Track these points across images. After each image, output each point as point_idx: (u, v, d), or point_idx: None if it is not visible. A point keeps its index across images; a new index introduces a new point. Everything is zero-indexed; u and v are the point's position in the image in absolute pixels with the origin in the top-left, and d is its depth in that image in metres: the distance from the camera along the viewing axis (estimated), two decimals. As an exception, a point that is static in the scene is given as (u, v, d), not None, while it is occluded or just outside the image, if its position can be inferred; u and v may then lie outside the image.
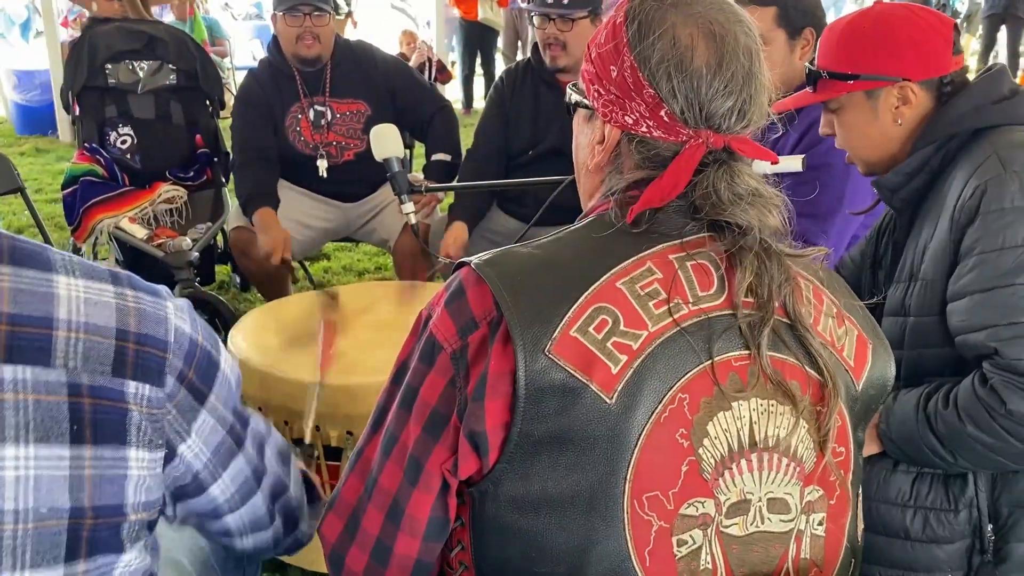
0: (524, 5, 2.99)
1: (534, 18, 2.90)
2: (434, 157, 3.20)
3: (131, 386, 0.79)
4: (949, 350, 1.38)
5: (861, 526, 1.06)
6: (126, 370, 0.78)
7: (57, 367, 0.75)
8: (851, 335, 1.00)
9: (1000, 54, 10.50)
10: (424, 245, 2.77)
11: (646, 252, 0.92)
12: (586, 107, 1.02)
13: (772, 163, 1.01)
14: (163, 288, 0.87)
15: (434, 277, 3.03)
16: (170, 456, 0.84)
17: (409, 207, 2.14)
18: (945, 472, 1.42)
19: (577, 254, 0.93)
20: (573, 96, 1.04)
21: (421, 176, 3.09)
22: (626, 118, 0.96)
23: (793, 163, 1.68)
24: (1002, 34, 10.11)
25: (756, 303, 0.92)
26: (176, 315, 0.84)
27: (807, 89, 1.54)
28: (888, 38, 1.44)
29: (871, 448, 1.43)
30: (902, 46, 1.43)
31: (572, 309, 0.87)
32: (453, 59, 9.19)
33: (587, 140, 1.03)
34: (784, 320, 0.94)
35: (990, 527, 1.40)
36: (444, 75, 7.00)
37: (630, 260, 0.91)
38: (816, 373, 0.94)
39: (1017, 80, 9.69)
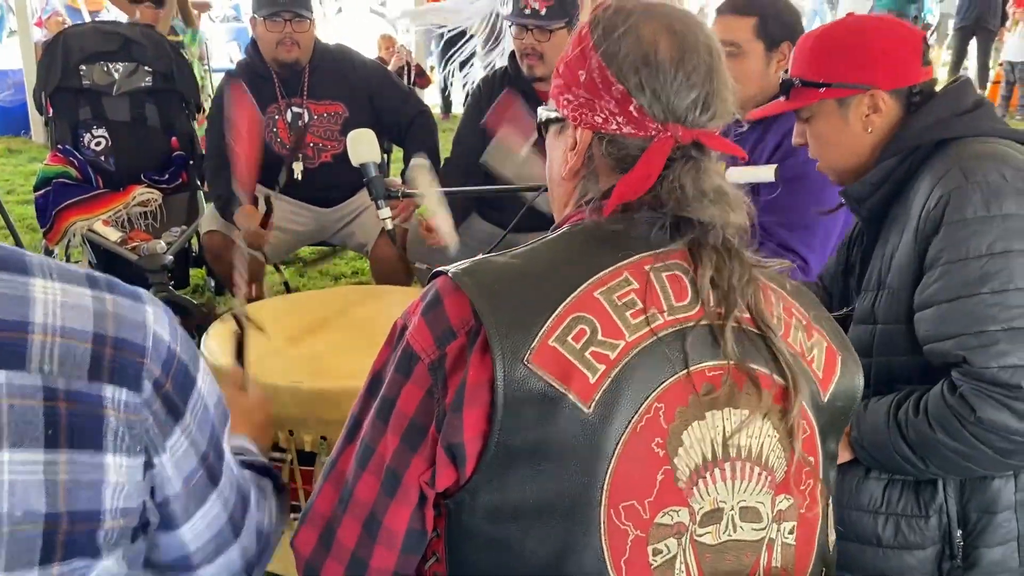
0: (503, 15, 3.02)
1: (512, 28, 2.92)
2: (413, 161, 3.19)
3: (108, 390, 0.77)
4: (918, 357, 1.40)
5: (832, 536, 1.07)
6: (103, 374, 0.77)
7: (32, 371, 0.74)
8: (820, 346, 1.01)
9: (970, 66, 10.67)
10: (401, 251, 2.76)
11: (623, 263, 0.92)
12: (557, 120, 1.04)
13: (741, 159, 1.03)
14: (143, 291, 0.85)
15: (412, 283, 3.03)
16: (148, 464, 0.82)
17: (386, 212, 2.14)
18: (916, 479, 1.44)
19: (555, 263, 0.94)
20: (543, 114, 1.06)
21: (399, 180, 3.10)
22: (596, 118, 0.97)
23: (765, 173, 1.69)
24: (972, 46, 10.28)
25: (718, 298, 0.93)
26: (155, 321, 0.82)
27: (781, 98, 1.55)
28: (859, 48, 1.46)
29: (843, 456, 1.44)
30: (873, 55, 1.45)
31: (551, 318, 0.88)
32: (431, 64, 9.19)
33: (560, 152, 1.04)
34: (754, 330, 0.95)
35: (959, 533, 1.41)
36: (423, 80, 7.02)
37: (607, 270, 0.91)
38: (780, 378, 0.95)
39: (987, 91, 9.85)
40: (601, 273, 0.91)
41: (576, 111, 0.99)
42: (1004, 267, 1.29)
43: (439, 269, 0.94)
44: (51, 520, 0.75)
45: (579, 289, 0.89)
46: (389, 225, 2.16)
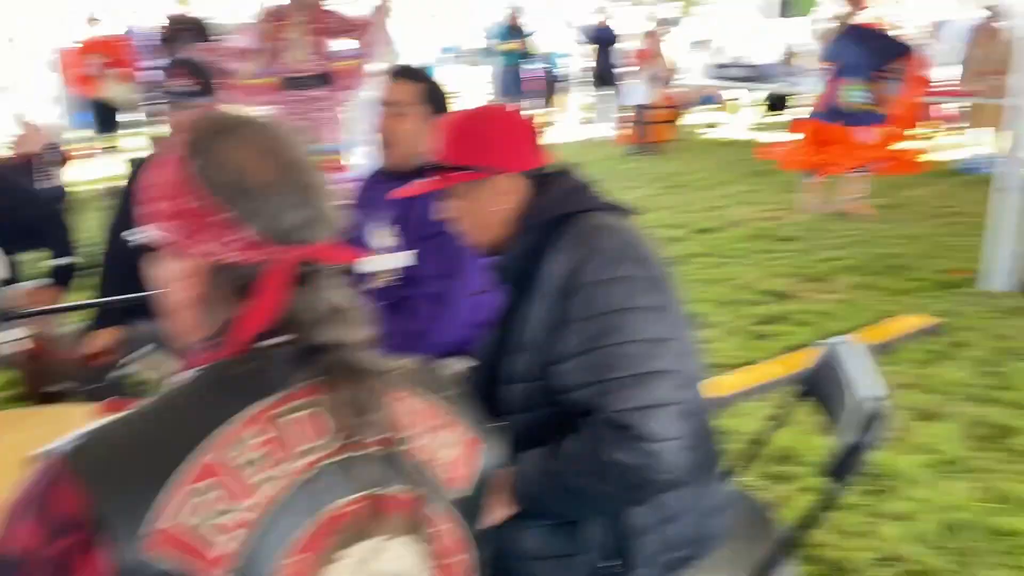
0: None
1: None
2: (52, 263, 2.96)
3: None
4: (560, 409, 1.53)
5: None
6: None
7: None
8: (458, 443, 1.03)
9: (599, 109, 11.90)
10: (43, 365, 2.52)
11: (248, 411, 0.88)
12: (162, 246, 0.97)
13: (366, 258, 1.05)
14: None
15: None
16: None
17: (15, 333, 1.93)
18: (569, 520, 1.57)
19: (175, 423, 0.88)
20: (146, 238, 0.98)
21: (33, 285, 2.85)
22: (205, 247, 0.92)
23: (403, 259, 1.79)
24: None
25: (351, 427, 0.92)
26: None
27: (425, 179, 1.70)
28: (489, 135, 1.65)
29: (502, 512, 1.54)
30: (497, 143, 1.65)
31: (171, 491, 0.82)
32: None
33: (171, 278, 0.98)
34: (386, 450, 0.94)
35: (610, 564, 1.57)
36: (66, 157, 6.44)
37: (232, 425, 0.87)
38: (414, 492, 0.96)
39: (620, 132, 10.86)
40: (225, 429, 0.86)
41: (184, 241, 0.93)
42: (623, 322, 1.48)
43: (50, 449, 0.85)
44: None
45: (202, 452, 0.84)
46: (20, 347, 1.93)
